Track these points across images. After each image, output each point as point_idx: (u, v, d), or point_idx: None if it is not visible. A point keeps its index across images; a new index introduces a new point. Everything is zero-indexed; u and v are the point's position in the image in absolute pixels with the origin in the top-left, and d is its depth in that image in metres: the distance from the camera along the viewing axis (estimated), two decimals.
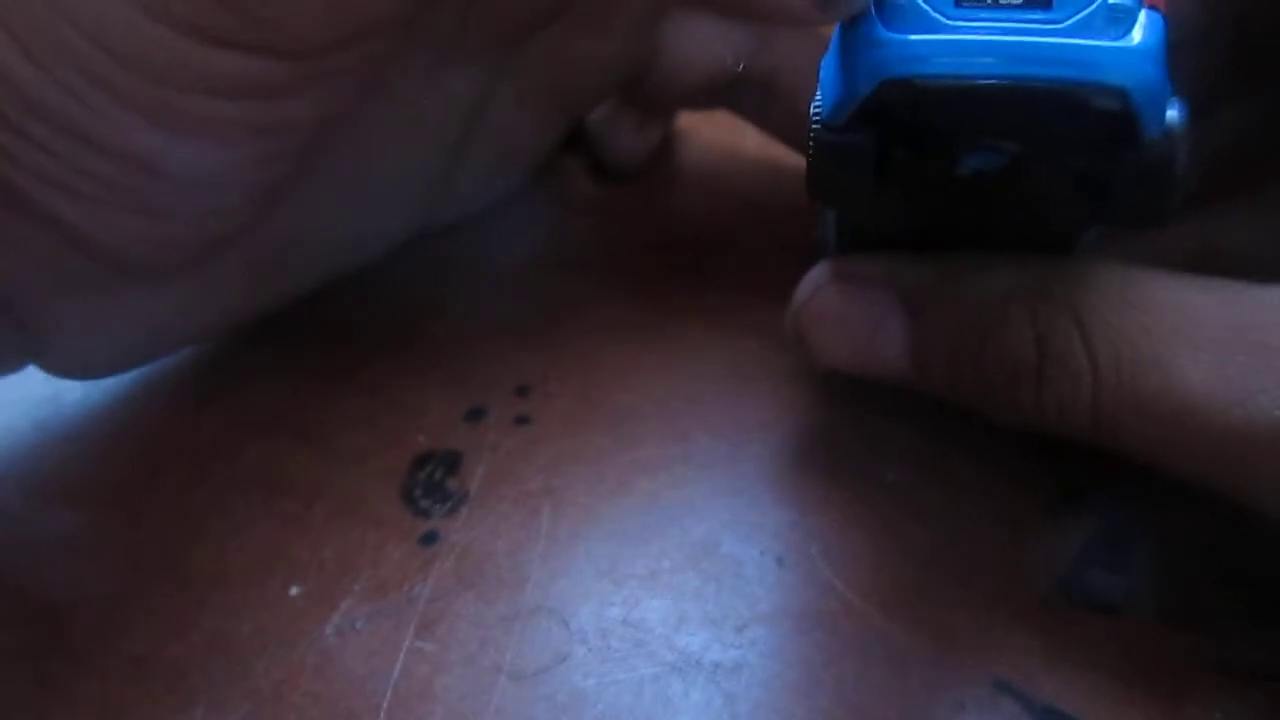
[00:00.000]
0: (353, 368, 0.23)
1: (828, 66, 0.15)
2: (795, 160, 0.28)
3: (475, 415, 0.22)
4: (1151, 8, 0.14)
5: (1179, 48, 0.14)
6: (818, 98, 0.15)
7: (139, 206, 0.18)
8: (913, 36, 0.14)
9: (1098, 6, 0.13)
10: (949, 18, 0.14)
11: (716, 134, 0.32)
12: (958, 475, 0.20)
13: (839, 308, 0.19)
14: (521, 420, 0.22)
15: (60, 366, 0.21)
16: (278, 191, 0.20)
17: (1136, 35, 0.13)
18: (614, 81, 0.26)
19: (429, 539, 0.19)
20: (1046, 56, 0.13)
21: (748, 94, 0.26)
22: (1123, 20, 0.13)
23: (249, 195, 0.19)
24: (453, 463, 0.21)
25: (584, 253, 0.27)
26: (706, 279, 0.26)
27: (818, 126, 0.15)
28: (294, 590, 0.18)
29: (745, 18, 0.25)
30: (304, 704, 0.17)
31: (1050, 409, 0.16)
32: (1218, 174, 0.21)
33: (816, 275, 0.19)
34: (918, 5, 0.14)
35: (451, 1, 0.22)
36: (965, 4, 0.14)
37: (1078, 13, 0.13)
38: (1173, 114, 0.14)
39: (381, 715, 0.16)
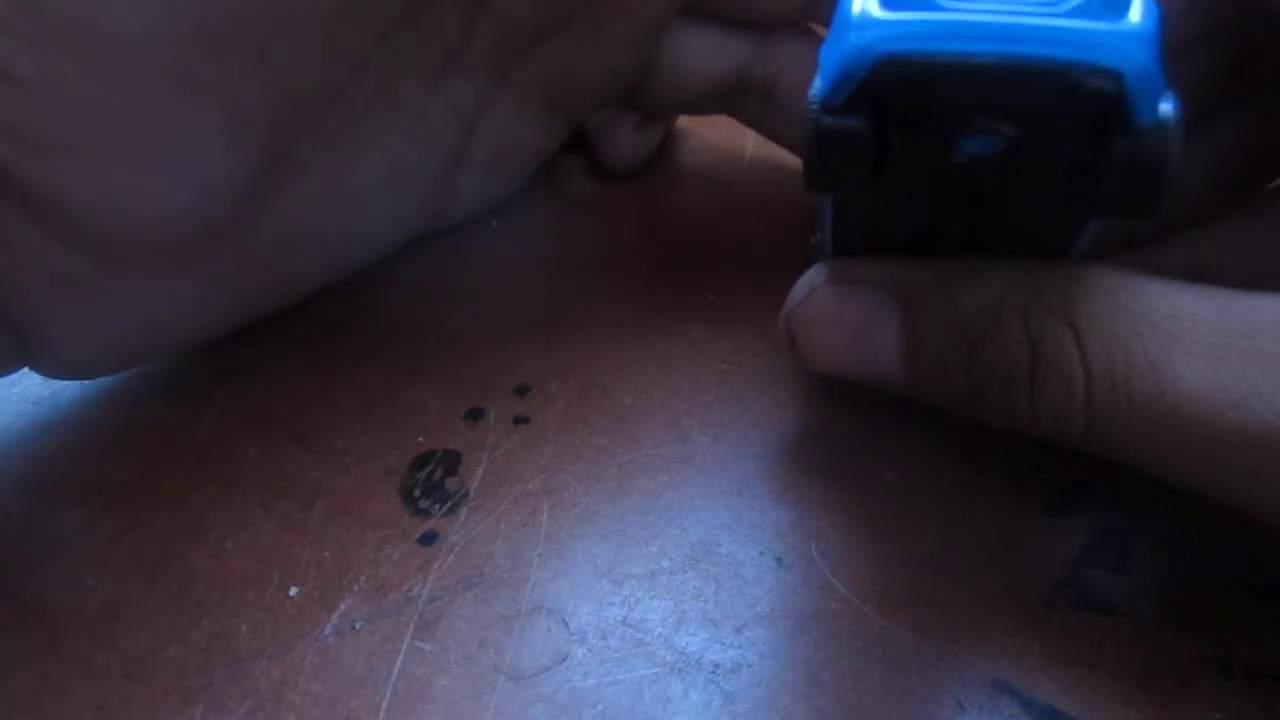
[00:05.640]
0: (353, 368, 0.23)
1: (826, 51, 0.15)
2: (794, 161, 0.28)
3: (475, 415, 0.22)
4: None
5: (1173, 54, 0.14)
6: (816, 83, 0.15)
7: (132, 165, 0.18)
8: (910, 15, 0.14)
9: None
10: None
11: (716, 134, 0.32)
12: (958, 475, 0.20)
13: (832, 310, 0.19)
14: (521, 420, 0.22)
15: (55, 368, 0.21)
16: (272, 182, 0.20)
17: (1132, 19, 0.13)
18: (614, 90, 0.26)
19: (428, 539, 0.19)
20: (1042, 36, 0.13)
21: (748, 100, 0.26)
22: (1118, 5, 0.13)
23: (244, 165, 0.19)
24: (452, 463, 0.21)
25: (584, 253, 0.27)
26: (707, 278, 0.26)
27: (815, 109, 0.15)
28: (294, 590, 0.18)
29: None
30: (304, 704, 0.17)
31: (1044, 413, 0.16)
32: (1215, 186, 0.21)
33: (811, 277, 0.19)
34: None
35: (456, 9, 0.22)
36: None
37: None
38: (1167, 106, 0.14)
39: (381, 715, 0.16)
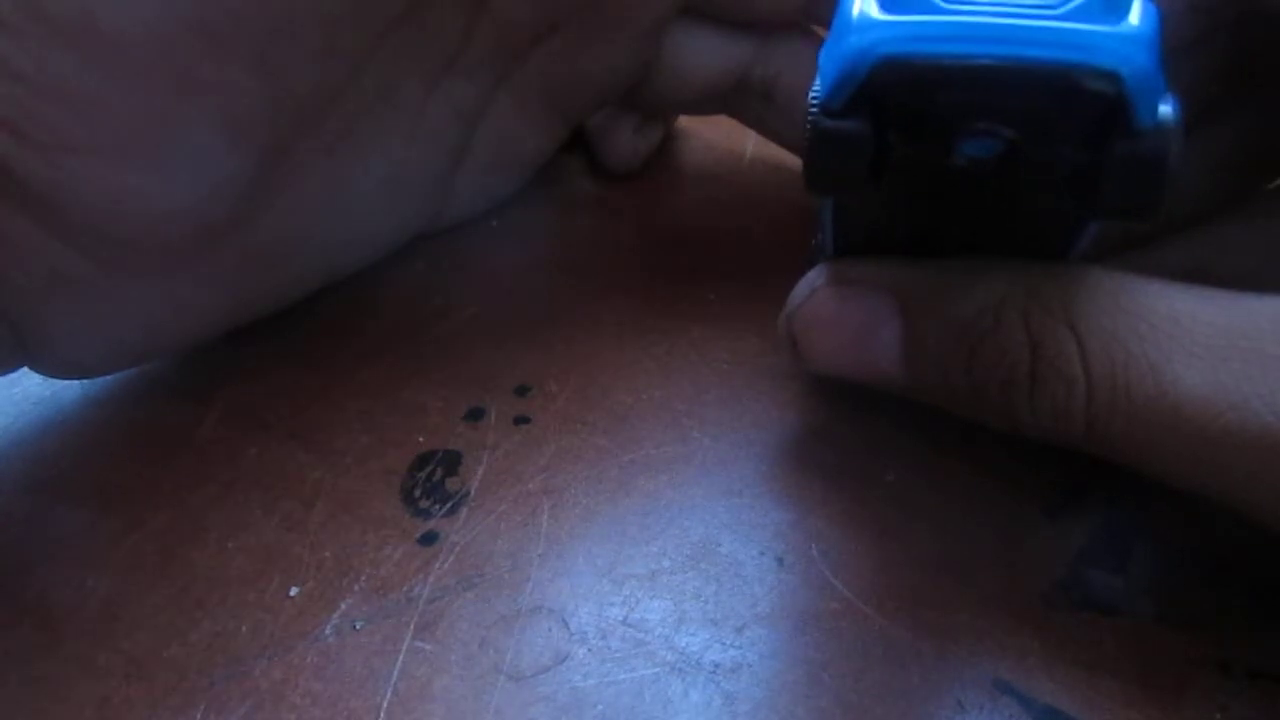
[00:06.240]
0: (353, 368, 0.23)
1: (826, 53, 0.15)
2: (794, 161, 0.28)
3: (475, 415, 0.22)
4: None
5: (1173, 54, 0.14)
6: (816, 85, 0.15)
7: (132, 164, 0.18)
8: (910, 18, 0.14)
9: None
10: (946, 1, 0.14)
11: (716, 134, 0.32)
12: (958, 476, 0.20)
13: (833, 311, 0.19)
14: (521, 420, 0.22)
15: (55, 367, 0.21)
16: (272, 181, 0.20)
17: (1131, 21, 0.13)
18: (614, 90, 0.26)
19: (429, 539, 0.19)
20: (1041, 39, 0.13)
21: (748, 100, 0.26)
22: (1117, 7, 0.14)
23: (244, 165, 0.19)
24: (453, 463, 0.21)
25: (584, 253, 0.27)
26: (706, 279, 0.26)
27: (816, 111, 0.15)
28: (294, 590, 0.18)
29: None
30: (304, 704, 0.17)
31: (1044, 414, 0.16)
32: (1215, 186, 0.21)
33: (811, 278, 0.19)
34: None
35: (456, 10, 0.22)
36: None
37: None
38: (1166, 109, 0.14)
39: (381, 715, 0.16)
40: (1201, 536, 0.19)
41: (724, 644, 0.17)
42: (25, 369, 0.21)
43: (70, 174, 0.17)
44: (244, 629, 0.18)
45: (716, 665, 0.17)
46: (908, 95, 0.14)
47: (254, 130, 0.19)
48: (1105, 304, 0.16)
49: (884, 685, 0.17)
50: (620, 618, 0.18)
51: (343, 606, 0.18)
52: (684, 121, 0.33)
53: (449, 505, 0.20)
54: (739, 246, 0.27)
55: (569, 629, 0.18)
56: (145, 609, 0.18)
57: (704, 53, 0.25)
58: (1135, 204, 0.14)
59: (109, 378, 0.23)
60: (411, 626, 0.18)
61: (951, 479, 0.20)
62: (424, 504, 0.20)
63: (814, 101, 0.15)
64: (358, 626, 0.18)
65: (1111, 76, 0.13)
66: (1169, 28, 0.14)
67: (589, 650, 0.17)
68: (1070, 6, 0.14)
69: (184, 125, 0.18)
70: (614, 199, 0.30)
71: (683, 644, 0.17)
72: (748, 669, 0.17)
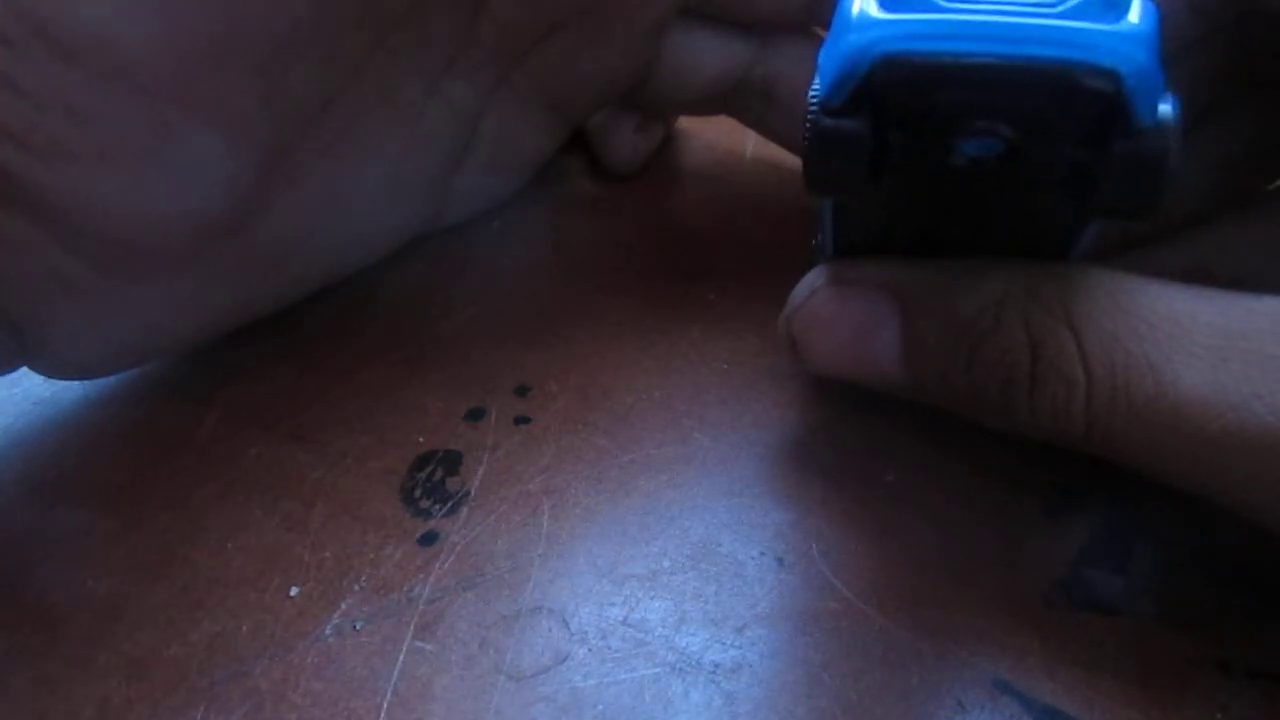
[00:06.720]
0: (353, 368, 0.23)
1: (826, 52, 0.15)
2: (794, 161, 0.28)
3: (475, 415, 0.22)
4: None
5: (1172, 55, 0.14)
6: (815, 84, 0.15)
7: (132, 170, 0.18)
8: (909, 16, 0.14)
9: None
10: (946, 0, 0.14)
11: (716, 134, 0.32)
12: (958, 476, 0.20)
13: (833, 311, 0.19)
14: (521, 420, 0.22)
15: (55, 368, 0.21)
16: (271, 184, 0.20)
17: (1130, 20, 0.13)
18: (614, 90, 0.26)
19: (429, 539, 0.19)
20: (1041, 37, 0.13)
21: (748, 101, 0.26)
22: (1117, 6, 0.14)
23: (243, 169, 0.19)
24: (453, 463, 0.21)
25: (584, 253, 0.27)
26: (706, 278, 0.26)
27: (815, 110, 0.15)
28: (294, 590, 0.18)
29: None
30: (305, 704, 0.17)
31: (1044, 414, 0.16)
32: (1215, 186, 0.21)
33: (812, 278, 0.19)
34: None
35: (456, 12, 0.22)
36: None
37: None
38: (1166, 108, 0.14)
39: (382, 715, 0.16)
40: (1201, 536, 0.19)
41: (724, 644, 0.17)
42: (25, 369, 0.21)
43: (71, 180, 0.17)
44: (244, 629, 0.18)
45: (716, 665, 0.17)
46: (907, 94, 0.14)
47: (253, 133, 0.19)
48: (1105, 304, 0.16)
49: (884, 685, 0.17)
50: (620, 618, 0.18)
51: (343, 606, 0.18)
52: (684, 121, 0.33)
53: (449, 505, 0.20)
54: (739, 246, 0.27)
55: (569, 629, 0.18)
56: (145, 609, 0.18)
57: (704, 53, 0.25)
58: (1135, 203, 0.14)
59: (109, 378, 0.23)
60: (411, 626, 0.18)
61: (952, 479, 0.20)
62: (424, 504, 0.20)
63: (813, 100, 0.15)
64: (358, 626, 0.18)
65: (1111, 75, 0.13)
66: (1169, 28, 0.14)
67: (589, 650, 0.17)
68: (1069, 5, 0.14)
69: (184, 130, 0.18)
70: (614, 199, 0.30)
71: (683, 644, 0.17)
72: (748, 669, 0.17)
